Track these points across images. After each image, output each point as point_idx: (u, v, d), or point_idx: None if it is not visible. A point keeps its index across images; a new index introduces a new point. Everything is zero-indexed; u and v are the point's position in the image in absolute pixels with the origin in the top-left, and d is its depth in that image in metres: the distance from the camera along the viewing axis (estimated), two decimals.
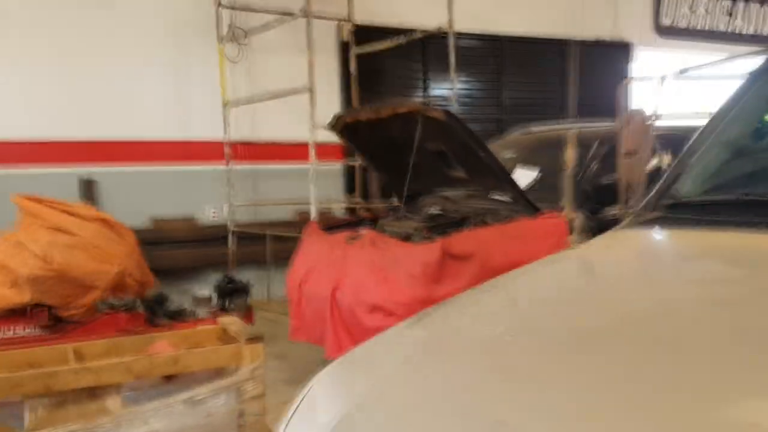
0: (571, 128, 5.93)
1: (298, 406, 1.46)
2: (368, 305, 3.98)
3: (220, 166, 6.95)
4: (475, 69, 8.40)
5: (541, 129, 6.03)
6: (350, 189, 7.71)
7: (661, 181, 2.28)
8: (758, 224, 1.70)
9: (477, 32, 8.14)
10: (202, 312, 5.41)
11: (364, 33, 7.55)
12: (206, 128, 6.94)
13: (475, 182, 4.77)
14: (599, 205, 4.60)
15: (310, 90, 6.02)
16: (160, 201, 6.78)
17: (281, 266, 6.55)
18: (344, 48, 7.58)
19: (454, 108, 6.59)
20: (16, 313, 4.69)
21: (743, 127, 2.33)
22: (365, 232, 4.55)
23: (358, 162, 7.33)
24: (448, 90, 7.68)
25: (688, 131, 2.89)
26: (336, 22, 7.49)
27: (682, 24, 9.98)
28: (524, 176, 4.84)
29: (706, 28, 10.14)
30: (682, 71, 2.58)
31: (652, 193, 2.25)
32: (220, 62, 6.90)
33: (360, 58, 7.48)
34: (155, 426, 2.65)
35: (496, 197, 4.78)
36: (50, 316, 4.81)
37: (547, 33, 8.82)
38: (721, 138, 2.28)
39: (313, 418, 1.35)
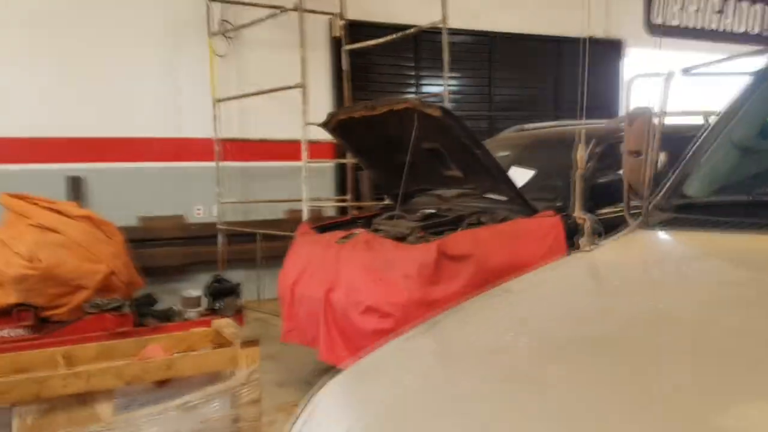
0: (564, 127, 5.91)
1: (305, 417, 1.39)
2: (363, 306, 3.91)
3: (209, 164, 6.84)
4: (467, 66, 8.35)
5: (534, 128, 5.99)
6: (341, 188, 7.63)
7: (669, 181, 2.23)
8: None
9: (468, 29, 8.08)
10: (191, 313, 5.33)
11: (355, 29, 7.47)
12: (195, 125, 6.84)
13: (470, 181, 4.71)
14: (596, 205, 4.58)
15: (303, 87, 5.93)
16: (149, 199, 6.68)
17: (271, 266, 6.48)
18: (335, 44, 7.50)
19: (447, 106, 6.53)
20: (1, 314, 4.59)
21: (752, 126, 2.28)
22: (359, 232, 4.48)
23: (349, 161, 7.26)
24: (440, 87, 7.62)
25: (686, 130, 2.86)
26: (326, 18, 7.40)
27: (674, 22, 9.97)
28: (520, 175, 4.78)
29: (698, 26, 10.15)
30: (687, 69, 2.52)
31: (660, 194, 2.20)
32: (210, 58, 6.79)
33: (351, 54, 7.40)
34: None
35: (491, 196, 4.73)
36: (36, 316, 4.71)
37: (538, 31, 8.78)
38: (730, 137, 2.23)
39: (326, 428, 1.28)
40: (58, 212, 5.07)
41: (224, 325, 3.10)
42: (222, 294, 5.45)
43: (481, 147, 4.32)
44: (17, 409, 2.57)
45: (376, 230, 4.63)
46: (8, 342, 4.46)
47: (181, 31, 6.81)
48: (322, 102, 7.19)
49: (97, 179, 6.45)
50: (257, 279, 6.67)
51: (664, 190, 2.19)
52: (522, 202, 4.40)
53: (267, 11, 6.56)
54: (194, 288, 5.73)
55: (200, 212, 6.96)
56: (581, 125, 5.97)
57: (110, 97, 6.51)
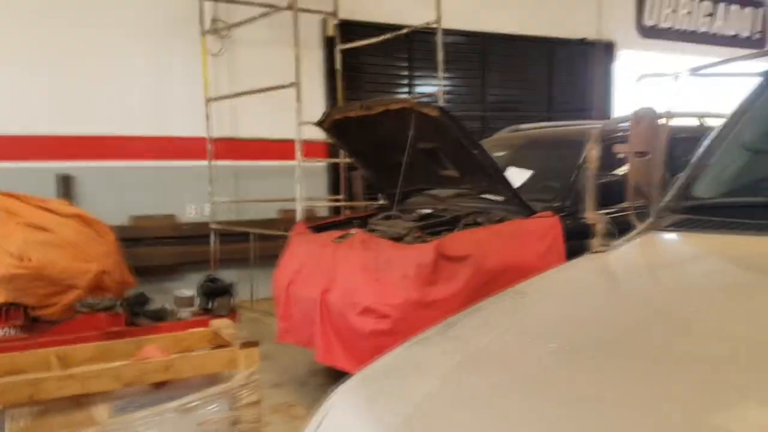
0: (560, 128, 5.91)
1: (318, 422, 1.34)
2: (360, 307, 3.86)
3: (201, 163, 6.78)
4: (460, 66, 8.33)
5: (530, 128, 5.98)
6: (333, 188, 7.59)
7: (679, 183, 2.21)
8: None
9: (462, 29, 8.06)
10: (184, 313, 5.28)
11: (348, 28, 7.44)
12: (188, 124, 6.77)
13: (466, 181, 4.68)
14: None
15: (297, 85, 5.88)
16: (140, 198, 6.60)
17: (264, 266, 6.43)
18: (328, 43, 7.45)
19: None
20: None
21: (763, 126, 2.26)
22: (355, 232, 4.44)
23: (342, 160, 7.22)
24: (433, 87, 7.60)
25: (682, 131, 2.86)
26: (320, 17, 7.35)
27: (665, 25, 10.01)
28: (517, 176, 4.76)
29: (688, 29, 10.19)
30: (695, 69, 2.51)
31: (670, 195, 2.17)
32: (202, 56, 6.73)
33: (344, 54, 7.36)
34: None
35: (487, 197, 4.71)
36: (26, 316, 4.65)
37: (531, 32, 8.78)
38: (740, 138, 2.21)
39: None
40: (49, 211, 5.00)
41: (222, 325, 3.05)
42: (215, 293, 5.41)
43: (479, 147, 4.28)
44: (10, 412, 2.51)
45: (373, 230, 4.59)
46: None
47: (173, 30, 6.74)
48: (314, 101, 7.15)
49: (88, 178, 6.37)
50: (250, 279, 6.61)
51: (674, 191, 2.17)
52: (519, 203, 4.38)
53: (260, 10, 6.51)
54: (186, 287, 5.68)
55: (192, 211, 6.90)
56: (577, 126, 5.99)
57: (102, 95, 6.43)
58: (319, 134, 6.88)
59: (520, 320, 1.44)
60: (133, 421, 2.58)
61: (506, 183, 4.40)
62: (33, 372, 2.66)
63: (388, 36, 6.85)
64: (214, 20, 6.86)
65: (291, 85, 5.91)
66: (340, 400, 1.33)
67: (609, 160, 5.06)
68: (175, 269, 6.70)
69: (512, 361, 1.26)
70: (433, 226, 4.46)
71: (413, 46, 7.88)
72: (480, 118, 8.57)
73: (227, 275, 5.78)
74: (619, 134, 5.06)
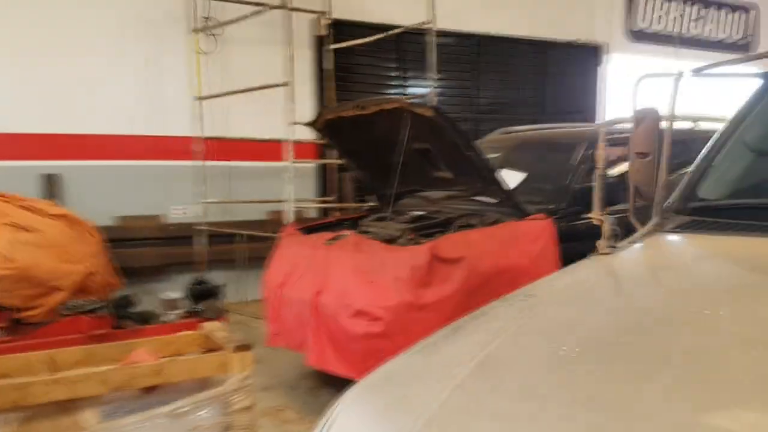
0: (552, 130, 5.89)
1: (325, 429, 1.29)
2: (353, 310, 3.80)
3: (188, 163, 6.69)
4: (450, 68, 8.29)
5: (521, 130, 5.95)
6: (323, 189, 7.52)
7: (683, 184, 2.18)
8: None
9: (453, 30, 8.02)
10: (171, 315, 5.19)
11: (339, 28, 7.38)
12: (176, 123, 6.68)
13: (460, 183, 4.64)
14: (586, 208, 4.54)
15: (289, 85, 5.82)
16: (127, 198, 6.51)
17: (253, 267, 6.36)
18: (318, 43, 7.39)
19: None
20: None
21: (766, 128, 2.23)
22: (347, 233, 4.38)
23: (332, 161, 7.16)
24: (424, 89, 7.56)
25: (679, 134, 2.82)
26: (310, 17, 7.29)
27: (654, 28, 10.04)
28: (510, 178, 4.72)
29: (677, 33, 10.23)
30: (698, 70, 2.47)
31: (674, 196, 2.14)
32: (193, 55, 6.64)
33: (334, 54, 7.31)
34: None
35: (480, 199, 4.67)
36: (10, 318, 4.54)
37: (522, 34, 8.77)
38: (745, 139, 2.18)
39: None
40: (34, 211, 4.91)
41: (214, 328, 2.98)
42: (203, 296, 5.31)
43: (473, 148, 4.25)
44: None
45: (365, 232, 4.54)
46: None
47: (163, 28, 6.66)
48: (304, 101, 7.09)
49: (74, 177, 6.27)
50: (238, 281, 6.53)
51: (678, 192, 2.13)
52: (513, 205, 4.34)
53: (251, 8, 6.44)
54: (174, 289, 5.58)
55: (180, 212, 6.81)
56: (569, 128, 5.98)
57: (89, 93, 6.33)
58: (308, 135, 6.82)
59: (532, 323, 1.39)
60: (122, 427, 2.51)
61: (500, 185, 4.36)
62: (19, 376, 2.59)
63: (378, 36, 6.80)
64: (205, 18, 6.77)
65: (284, 84, 5.85)
66: (347, 409, 1.27)
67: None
68: (162, 271, 6.61)
69: (528, 367, 1.21)
70: (426, 228, 4.41)
71: (403, 47, 7.83)
72: (471, 120, 8.53)
73: (215, 277, 5.69)
74: (614, 136, 5.06)
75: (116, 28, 6.45)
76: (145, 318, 5.09)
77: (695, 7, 10.26)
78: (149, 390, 2.68)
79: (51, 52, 6.19)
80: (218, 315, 5.13)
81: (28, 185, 5.81)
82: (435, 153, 4.52)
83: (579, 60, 9.39)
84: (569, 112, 8.94)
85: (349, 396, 1.33)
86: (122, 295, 5.20)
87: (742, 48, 10.63)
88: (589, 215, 4.46)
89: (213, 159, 6.80)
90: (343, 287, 3.92)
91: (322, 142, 6.93)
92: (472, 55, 8.57)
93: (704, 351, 1.18)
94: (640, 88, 2.73)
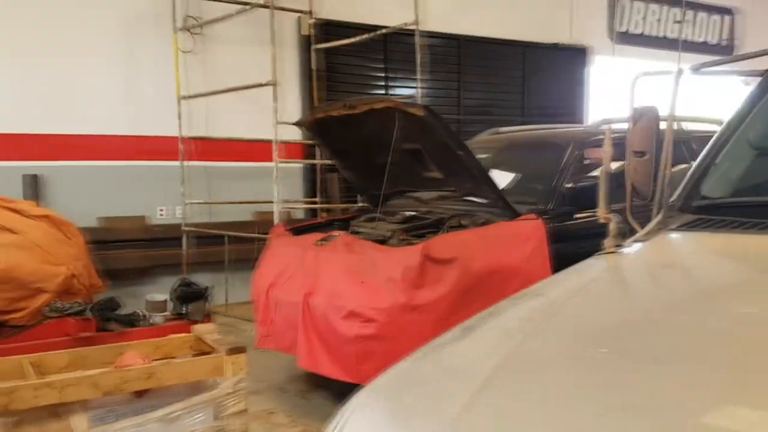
0: (541, 130, 5.89)
1: None
2: (345, 311, 3.76)
3: (173, 163, 6.60)
4: (435, 69, 8.26)
5: (509, 131, 5.94)
6: (309, 190, 7.46)
7: (685, 182, 2.16)
8: None
9: (437, 32, 8.00)
10: (157, 318, 5.11)
11: (325, 28, 7.34)
12: (159, 123, 6.59)
13: (450, 183, 4.61)
14: (575, 208, 4.54)
15: (274, 84, 5.76)
16: (110, 199, 6.41)
17: (239, 269, 6.29)
18: (304, 43, 7.34)
19: None
20: None
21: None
22: (338, 234, 4.34)
23: (319, 161, 7.11)
24: (409, 89, 7.54)
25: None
26: (295, 16, 7.24)
27: (636, 31, 10.10)
28: (500, 179, 4.70)
29: (659, 35, 10.30)
30: (696, 67, 2.47)
31: (676, 195, 2.12)
32: (174, 54, 6.56)
33: (320, 53, 7.26)
34: None
35: (470, 199, 4.65)
36: None
37: (506, 36, 8.78)
38: (747, 137, 2.17)
39: None
40: (16, 211, 4.81)
41: (205, 330, 2.92)
42: (189, 298, 5.23)
43: (465, 148, 4.22)
44: None
45: (356, 232, 4.50)
46: None
47: (144, 26, 6.57)
48: (291, 101, 7.04)
49: (56, 178, 6.16)
50: (224, 282, 6.45)
51: (680, 191, 2.11)
52: (504, 205, 4.32)
53: (235, 7, 6.38)
54: (158, 291, 5.50)
55: (164, 213, 6.72)
56: (558, 129, 5.98)
57: (70, 93, 6.22)
58: (295, 135, 6.78)
59: (548, 324, 1.36)
60: None
61: (491, 185, 4.33)
62: (5, 380, 2.51)
63: (364, 36, 6.77)
64: (187, 17, 6.70)
65: (268, 83, 5.79)
66: (358, 414, 1.22)
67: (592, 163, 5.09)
68: (146, 273, 6.52)
69: (553, 368, 1.17)
70: (418, 229, 4.38)
71: (389, 47, 7.81)
72: (455, 122, 8.52)
73: (201, 279, 5.61)
74: (600, 137, 5.07)
75: (98, 27, 6.36)
76: (131, 321, 5.01)
77: (675, 10, 10.34)
78: (140, 394, 2.62)
79: (32, 53, 6.08)
80: (204, 317, 5.08)
81: (10, 186, 5.70)
82: (425, 153, 4.49)
83: (563, 62, 9.43)
84: (553, 114, 8.96)
85: (359, 400, 1.28)
86: (107, 298, 5.12)
87: (725, 50, 10.73)
88: (580, 215, 4.54)
89: (198, 159, 6.72)
90: (334, 288, 3.87)
91: (309, 142, 6.89)
92: (457, 56, 8.56)
93: (746, 351, 1.15)
94: (637, 86, 2.72)
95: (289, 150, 6.75)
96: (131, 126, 6.53)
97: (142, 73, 6.60)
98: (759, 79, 2.33)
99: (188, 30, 6.71)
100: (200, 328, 2.97)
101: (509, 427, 1.00)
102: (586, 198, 4.54)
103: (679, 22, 10.41)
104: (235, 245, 6.44)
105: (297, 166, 7.30)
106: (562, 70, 9.45)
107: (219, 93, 6.46)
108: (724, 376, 1.08)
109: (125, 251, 6.36)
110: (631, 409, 0.97)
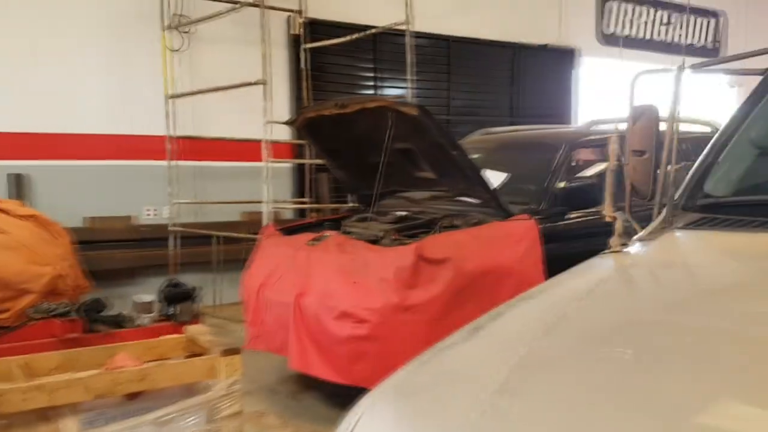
0: (531, 131, 5.88)
1: None
2: (336, 312, 3.72)
3: (160, 163, 6.52)
4: (423, 69, 8.23)
5: (500, 131, 5.94)
6: (298, 190, 7.41)
7: (688, 181, 2.14)
8: None
9: (426, 32, 7.97)
10: (144, 319, 5.04)
11: (314, 27, 7.30)
12: (147, 122, 6.52)
13: (443, 183, 4.58)
14: (568, 208, 4.53)
15: (264, 83, 5.71)
16: (96, 199, 6.33)
17: (228, 270, 6.23)
18: (294, 42, 7.29)
19: None
20: None
21: None
22: (329, 234, 4.30)
23: (308, 161, 7.06)
24: (399, 89, 7.51)
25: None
26: (285, 15, 7.19)
27: (624, 33, 10.14)
28: (492, 179, 4.68)
29: (647, 37, 10.35)
30: (697, 66, 2.45)
31: (679, 193, 2.11)
32: (163, 53, 6.49)
33: (309, 53, 7.21)
34: None
35: (463, 199, 4.62)
36: None
37: (495, 37, 8.77)
38: (750, 135, 2.15)
39: None
40: (2, 211, 4.77)
41: (198, 332, 2.87)
42: (177, 299, 5.16)
43: (458, 148, 4.19)
44: None
45: (347, 232, 4.45)
46: None
47: (132, 24, 6.49)
48: (279, 101, 6.97)
49: (42, 177, 6.07)
50: (213, 283, 6.38)
51: (683, 189, 2.10)
52: (497, 205, 4.30)
53: (225, 6, 6.31)
54: (145, 292, 5.42)
55: (151, 213, 6.64)
56: (549, 129, 5.97)
57: (57, 91, 6.13)
58: (284, 134, 6.73)
59: (562, 324, 1.33)
60: None
61: (484, 185, 4.31)
62: None
63: (354, 36, 6.73)
64: (176, 15, 6.63)
65: (258, 82, 5.74)
66: (368, 418, 1.18)
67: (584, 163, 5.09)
68: (133, 273, 6.44)
69: (575, 369, 1.14)
70: (410, 229, 4.35)
71: (379, 47, 7.78)
72: (444, 122, 8.49)
73: (189, 280, 5.53)
74: (591, 138, 5.07)
75: (85, 26, 6.28)
76: (119, 322, 4.93)
77: (665, 12, 10.39)
78: (132, 396, 2.57)
79: (18, 51, 6.00)
80: (193, 318, 5.01)
81: None
82: (418, 153, 4.45)
83: (552, 63, 9.44)
84: (542, 115, 8.97)
85: (369, 403, 1.23)
86: (93, 298, 5.04)
87: (709, 53, 10.80)
88: (573, 215, 4.53)
89: (186, 159, 6.65)
90: (326, 289, 3.83)
91: (298, 141, 6.84)
92: (446, 57, 8.54)
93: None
94: (636, 85, 2.71)
95: (279, 150, 6.69)
96: (118, 125, 6.46)
97: (130, 72, 6.52)
98: (746, 80, 2.33)
99: (177, 28, 6.64)
100: (192, 329, 2.92)
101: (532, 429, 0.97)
102: (578, 198, 4.56)
103: (668, 23, 10.47)
104: (223, 246, 6.38)
105: (286, 166, 7.24)
106: (551, 71, 9.46)
107: (207, 92, 6.39)
108: (746, 378, 1.05)
109: (112, 251, 6.28)
110: (650, 412, 0.94)
